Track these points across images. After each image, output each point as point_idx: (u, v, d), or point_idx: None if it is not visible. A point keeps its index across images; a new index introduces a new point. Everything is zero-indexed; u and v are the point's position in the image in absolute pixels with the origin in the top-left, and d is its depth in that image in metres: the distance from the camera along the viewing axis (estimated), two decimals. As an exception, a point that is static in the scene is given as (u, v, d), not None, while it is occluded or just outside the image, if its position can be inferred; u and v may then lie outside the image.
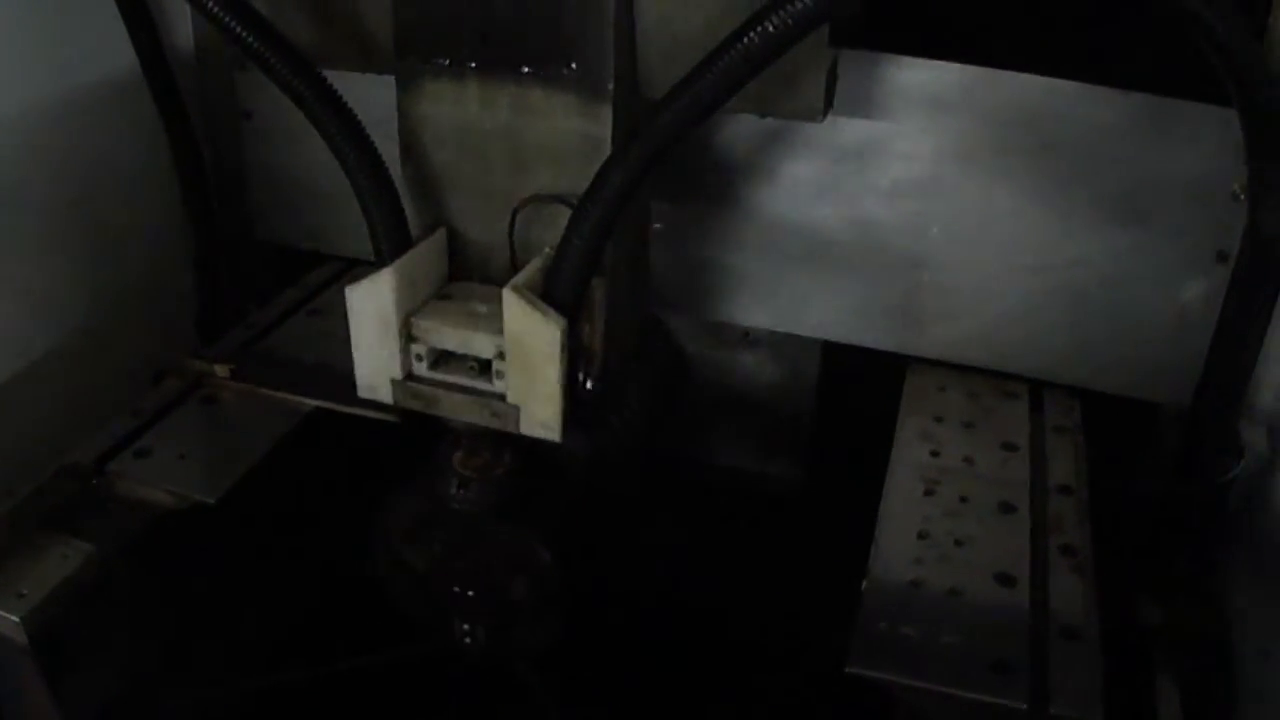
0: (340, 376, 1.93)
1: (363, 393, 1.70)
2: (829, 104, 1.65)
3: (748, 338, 2.28)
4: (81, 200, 2.14)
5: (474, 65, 1.63)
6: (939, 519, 1.77)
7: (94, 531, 1.78)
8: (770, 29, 1.31)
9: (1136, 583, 1.98)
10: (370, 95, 1.68)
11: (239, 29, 1.54)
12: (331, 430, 2.03)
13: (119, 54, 2.14)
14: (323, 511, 2.21)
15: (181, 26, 2.29)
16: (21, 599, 1.66)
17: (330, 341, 2.19)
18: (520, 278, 1.57)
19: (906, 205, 1.97)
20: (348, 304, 1.64)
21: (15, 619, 1.64)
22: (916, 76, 1.87)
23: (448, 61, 1.64)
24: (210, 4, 1.52)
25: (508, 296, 1.54)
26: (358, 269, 2.40)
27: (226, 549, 1.99)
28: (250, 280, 2.48)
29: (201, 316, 2.34)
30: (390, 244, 1.63)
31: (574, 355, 1.59)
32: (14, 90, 1.98)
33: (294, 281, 2.43)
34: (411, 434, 1.90)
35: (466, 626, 1.82)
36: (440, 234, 1.71)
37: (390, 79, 1.72)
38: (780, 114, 1.69)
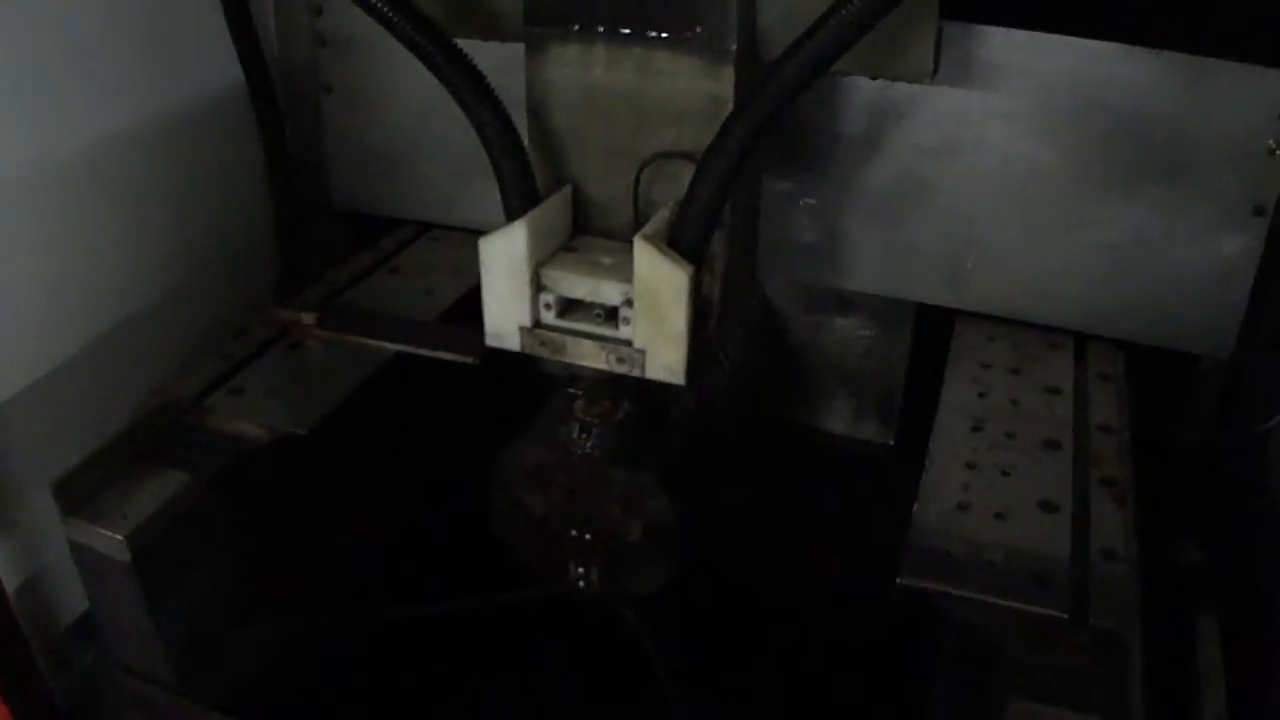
0: (417, 325, 2.12)
1: (491, 340, 1.78)
2: (936, 67, 1.74)
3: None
4: (172, 170, 2.21)
5: (601, 30, 1.72)
6: (986, 452, 1.84)
7: (191, 461, 1.88)
8: None
9: (1178, 527, 2.08)
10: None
11: (379, 6, 1.62)
12: (412, 374, 2.13)
13: (211, 39, 2.21)
14: (404, 450, 2.29)
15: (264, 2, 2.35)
16: (124, 520, 1.76)
17: (407, 296, 2.32)
18: (649, 228, 1.65)
19: (955, 164, 2.06)
20: (480, 255, 1.71)
21: (119, 538, 1.74)
22: (962, 39, 1.94)
23: (576, 27, 1.73)
24: None
25: (639, 245, 1.62)
26: (433, 231, 2.51)
27: (314, 482, 2.08)
28: (326, 245, 2.54)
29: (281, 279, 2.40)
30: (520, 199, 1.71)
31: (697, 304, 1.67)
32: (112, 80, 2.05)
33: (368, 246, 2.52)
34: (489, 379, 2.01)
35: (582, 569, 1.89)
36: (566, 190, 1.79)
37: (495, 47, 1.81)
38: (890, 75, 1.80)
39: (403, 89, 2.39)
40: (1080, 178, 2.00)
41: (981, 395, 2.00)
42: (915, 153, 2.06)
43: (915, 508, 1.72)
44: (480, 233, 2.22)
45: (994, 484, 1.77)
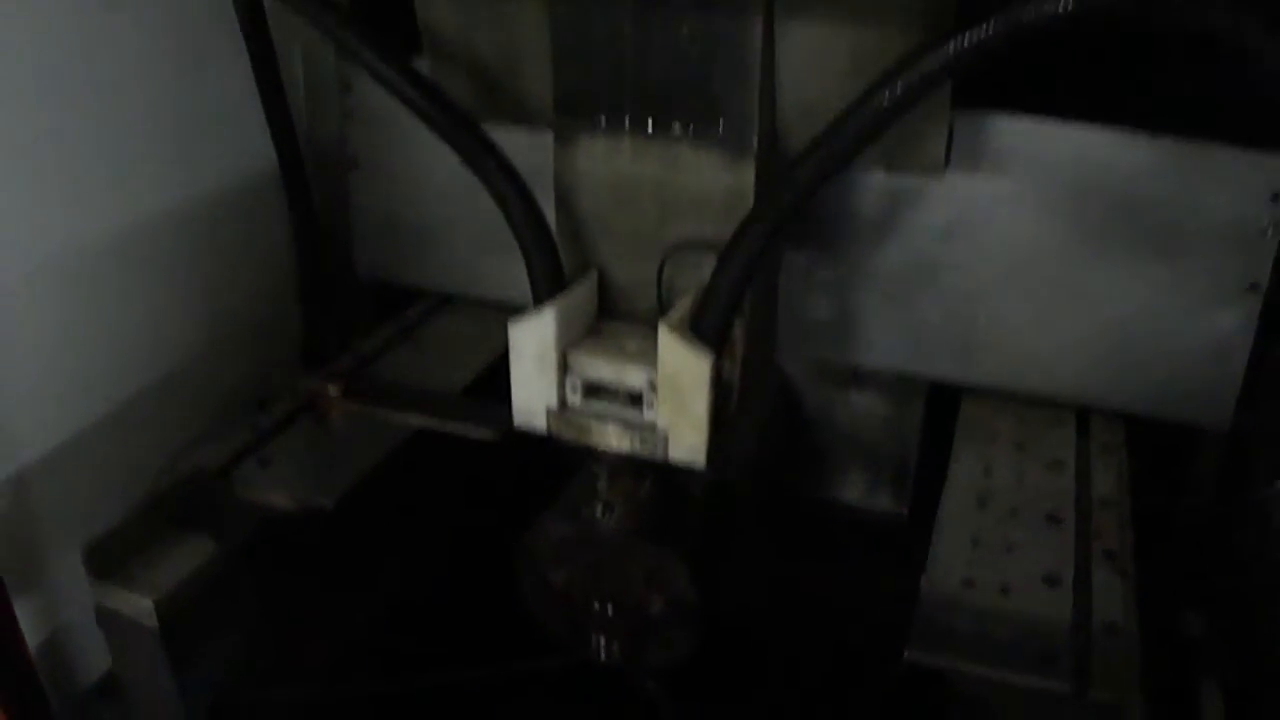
0: (442, 399, 2.18)
1: (519, 420, 1.84)
2: (948, 160, 1.82)
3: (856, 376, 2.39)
4: (202, 242, 2.27)
5: (628, 124, 1.79)
6: (991, 527, 1.88)
7: (218, 530, 1.93)
8: (896, 91, 1.45)
9: (1180, 597, 2.12)
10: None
11: (412, 94, 1.71)
12: (435, 447, 2.18)
13: (244, 117, 2.29)
14: (428, 520, 2.35)
15: (294, 75, 2.42)
16: (153, 586, 1.81)
17: (429, 369, 2.38)
18: (672, 316, 1.72)
19: (962, 245, 2.11)
20: (510, 339, 1.77)
21: (148, 603, 1.79)
22: (969, 126, 2.00)
23: (604, 120, 1.81)
24: (384, 70, 1.70)
25: (663, 333, 1.68)
26: (454, 304, 2.57)
27: (339, 553, 2.13)
28: (351, 314, 2.60)
29: (306, 348, 2.47)
30: (548, 284, 1.78)
31: (718, 388, 1.73)
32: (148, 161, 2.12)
33: (391, 315, 2.58)
34: (511, 455, 2.06)
35: (604, 640, 1.94)
36: (592, 275, 1.86)
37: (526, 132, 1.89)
38: (905, 169, 1.87)
39: (427, 164, 2.45)
40: (1082, 257, 2.06)
41: (987, 472, 2.05)
42: (924, 234, 2.12)
43: (923, 582, 1.77)
44: (500, 305, 2.31)
45: (998, 559, 1.81)
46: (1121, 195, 1.99)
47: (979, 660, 1.62)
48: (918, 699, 1.81)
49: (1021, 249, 2.09)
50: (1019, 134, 2.00)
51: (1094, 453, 2.12)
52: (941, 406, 2.31)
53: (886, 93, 1.46)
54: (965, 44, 1.39)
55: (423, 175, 2.49)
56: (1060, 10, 1.31)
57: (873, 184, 2.11)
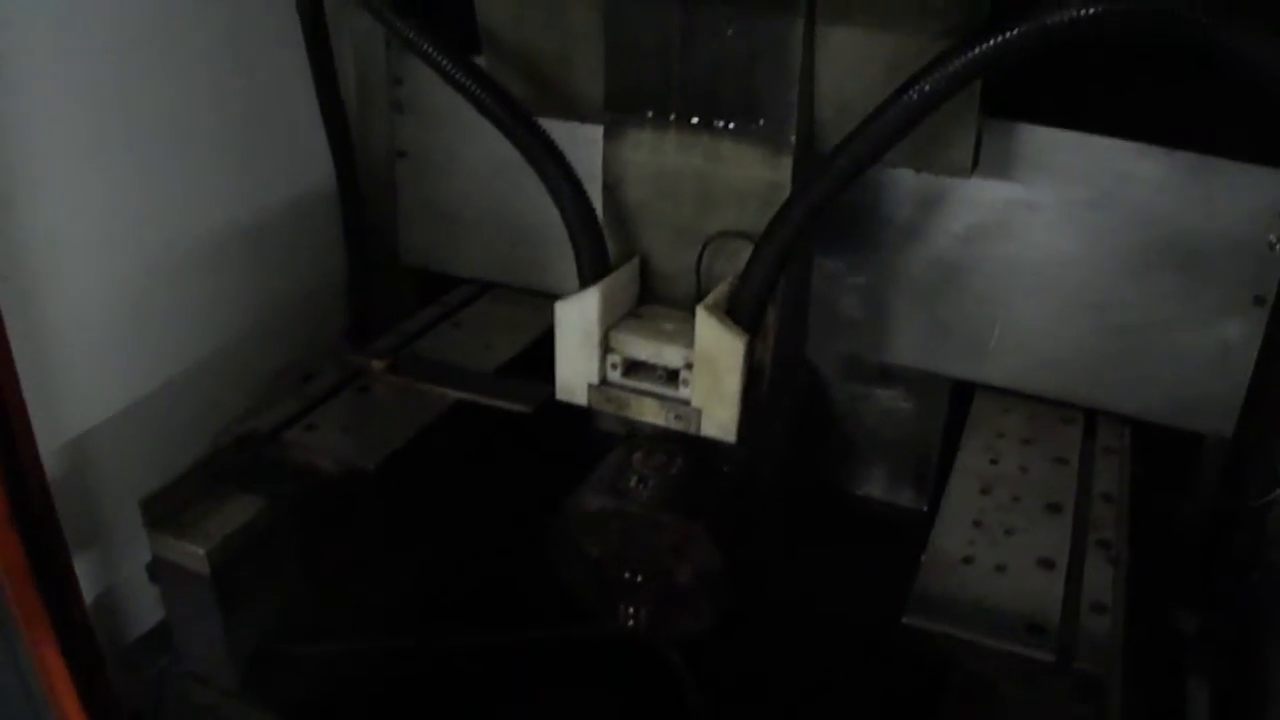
0: (479, 375, 2.30)
1: (561, 395, 1.95)
2: (976, 163, 1.92)
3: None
4: (258, 232, 2.40)
5: (673, 119, 1.90)
6: (992, 512, 1.95)
7: (267, 488, 2.03)
8: (925, 89, 1.54)
9: (1176, 595, 2.19)
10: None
11: (473, 88, 1.82)
12: (471, 420, 2.29)
13: (299, 112, 2.43)
14: (463, 488, 2.44)
15: (345, 68, 2.53)
16: (206, 538, 1.91)
17: (468, 348, 2.49)
18: (710, 299, 1.83)
19: (984, 249, 2.20)
20: (556, 317, 1.88)
21: (200, 552, 1.89)
22: (997, 135, 2.07)
23: (651, 114, 1.92)
24: (446, 64, 1.81)
25: (701, 314, 1.79)
26: (494, 290, 2.69)
27: (380, 513, 2.22)
28: (394, 299, 2.71)
29: (351, 329, 2.57)
30: (593, 268, 1.89)
31: (750, 369, 1.83)
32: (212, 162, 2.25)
33: (433, 301, 2.69)
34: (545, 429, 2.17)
35: (631, 610, 2.03)
36: (635, 261, 1.97)
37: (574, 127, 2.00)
38: (932, 170, 1.98)
39: (471, 157, 2.57)
40: (1096, 265, 2.14)
41: (993, 462, 2.13)
42: (949, 238, 2.21)
43: (923, 557, 1.85)
44: (536, 294, 2.39)
45: (997, 541, 1.88)
46: (1137, 206, 2.08)
47: (971, 628, 1.68)
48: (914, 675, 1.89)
49: (1039, 254, 2.18)
50: (1045, 144, 2.09)
51: (1098, 452, 2.19)
52: (963, 406, 2.39)
53: (916, 91, 1.55)
54: (991, 46, 1.48)
55: (466, 168, 2.60)
56: (1083, 16, 1.40)
57: (903, 187, 2.21)
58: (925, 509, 2.56)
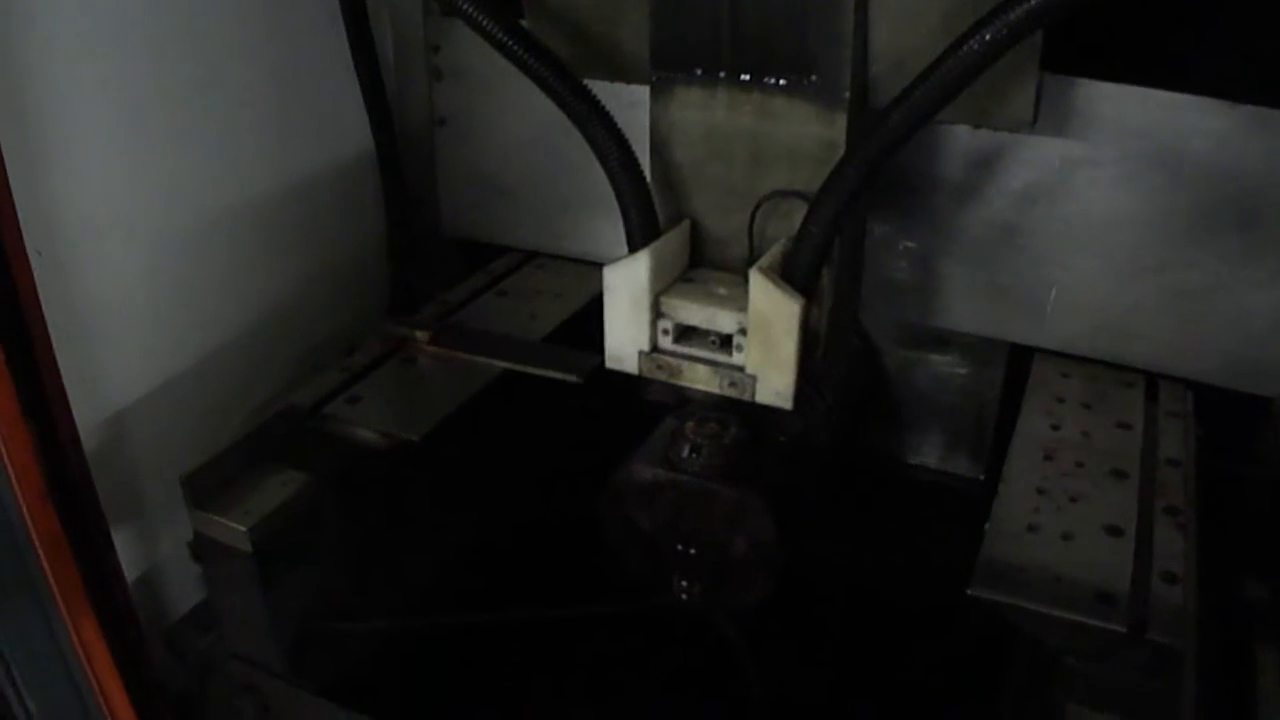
0: (525, 344, 2.26)
1: (610, 362, 1.90)
2: (1036, 116, 1.85)
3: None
4: (299, 202, 2.39)
5: (723, 75, 1.84)
6: (1056, 478, 1.91)
7: (310, 462, 2.01)
8: (985, 39, 1.47)
9: (1246, 563, 2.14)
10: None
11: (518, 49, 1.75)
12: (518, 390, 2.25)
13: (337, 81, 2.39)
14: (509, 459, 2.42)
15: (382, 35, 2.50)
16: (248, 514, 1.89)
17: (513, 317, 2.45)
18: (764, 261, 1.77)
19: (1042, 210, 2.15)
20: (605, 282, 1.83)
21: (242, 529, 1.87)
22: (1053, 90, 2.01)
23: (700, 72, 1.86)
24: (490, 26, 1.74)
25: (755, 276, 1.73)
26: (538, 259, 2.64)
27: (424, 487, 2.21)
28: (436, 269, 2.68)
29: (393, 300, 2.54)
30: (643, 232, 1.83)
31: (805, 334, 1.78)
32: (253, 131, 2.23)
33: (475, 270, 2.65)
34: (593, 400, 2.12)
35: (684, 583, 1.99)
36: (685, 224, 1.91)
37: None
38: (992, 124, 1.91)
39: (512, 123, 2.53)
40: (1157, 224, 2.09)
41: (1055, 427, 2.08)
42: (1006, 198, 2.16)
43: (987, 526, 1.81)
44: (580, 261, 2.34)
45: (1062, 508, 1.84)
46: (1199, 163, 2.02)
47: (1038, 598, 1.66)
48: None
49: (1099, 213, 2.12)
50: (1105, 99, 2.03)
51: (1162, 416, 2.14)
52: (1019, 371, 2.34)
53: (974, 42, 1.49)
54: None
55: (507, 135, 2.56)
56: None
57: (958, 146, 2.16)
58: (981, 478, 2.52)
